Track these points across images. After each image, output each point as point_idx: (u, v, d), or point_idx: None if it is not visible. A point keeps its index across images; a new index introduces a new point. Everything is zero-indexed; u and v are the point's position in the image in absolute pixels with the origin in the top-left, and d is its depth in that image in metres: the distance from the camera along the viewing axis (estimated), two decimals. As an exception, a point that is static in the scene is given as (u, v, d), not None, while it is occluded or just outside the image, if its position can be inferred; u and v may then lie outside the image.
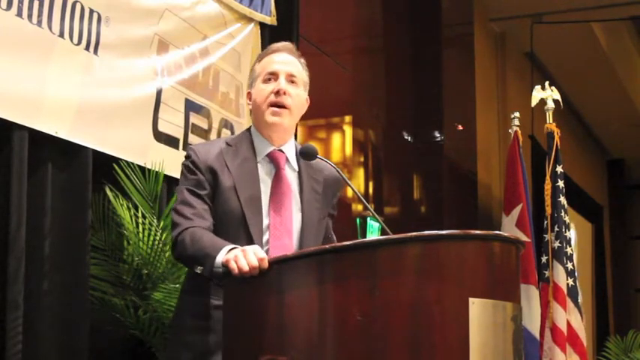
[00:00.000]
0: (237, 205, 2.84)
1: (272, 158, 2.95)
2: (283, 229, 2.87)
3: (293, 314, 2.37)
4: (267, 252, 2.77)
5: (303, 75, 3.02)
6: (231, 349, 2.50)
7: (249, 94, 3.03)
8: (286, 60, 3.00)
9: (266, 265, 2.46)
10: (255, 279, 2.47)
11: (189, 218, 2.80)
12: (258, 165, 2.93)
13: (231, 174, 2.87)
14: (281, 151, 2.97)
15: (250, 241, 2.78)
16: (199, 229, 2.76)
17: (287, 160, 2.97)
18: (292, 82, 2.97)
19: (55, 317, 3.40)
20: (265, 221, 2.86)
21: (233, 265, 2.50)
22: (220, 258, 2.58)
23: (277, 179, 2.93)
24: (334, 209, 3.15)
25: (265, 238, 2.84)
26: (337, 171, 3.02)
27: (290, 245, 2.87)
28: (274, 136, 2.96)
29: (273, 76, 2.96)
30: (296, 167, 2.99)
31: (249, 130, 3.03)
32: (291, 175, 2.97)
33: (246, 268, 2.47)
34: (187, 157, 2.94)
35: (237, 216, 2.83)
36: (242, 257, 2.49)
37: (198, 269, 2.67)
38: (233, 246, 2.61)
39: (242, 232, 2.82)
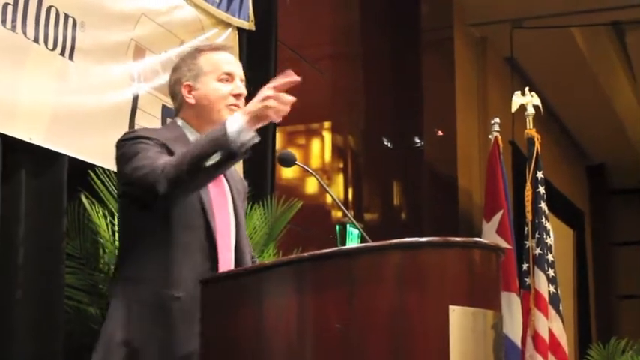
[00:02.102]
0: (196, 197, 2.75)
1: None
2: (225, 230, 2.85)
3: (271, 323, 2.37)
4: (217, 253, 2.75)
5: None
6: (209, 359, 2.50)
7: (189, 86, 2.91)
8: (236, 62, 3.00)
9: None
10: (233, 287, 2.47)
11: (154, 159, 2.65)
12: None
13: None
14: None
15: (210, 235, 2.73)
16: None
17: None
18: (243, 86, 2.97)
19: (29, 327, 3.37)
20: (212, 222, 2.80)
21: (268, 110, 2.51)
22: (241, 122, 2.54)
23: (216, 179, 2.87)
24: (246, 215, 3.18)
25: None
26: (316, 178, 3.03)
27: (230, 246, 2.85)
28: None
29: (229, 76, 2.92)
30: None
31: (174, 124, 2.94)
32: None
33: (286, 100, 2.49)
34: (140, 136, 2.78)
35: (196, 206, 2.75)
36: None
37: (217, 155, 2.55)
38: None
39: (200, 219, 2.74)
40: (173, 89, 2.97)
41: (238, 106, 2.88)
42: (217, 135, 2.56)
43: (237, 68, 2.96)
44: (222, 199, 2.89)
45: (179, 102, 2.95)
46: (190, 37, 4.53)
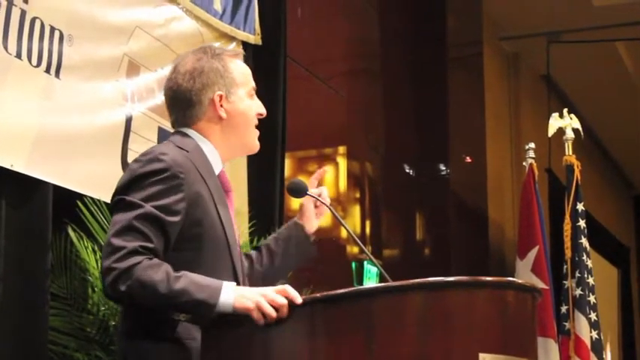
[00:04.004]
0: (221, 230, 2.71)
1: (221, 178, 2.83)
2: (241, 263, 2.85)
3: (280, 372, 2.37)
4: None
5: None
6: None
7: (221, 97, 2.78)
8: None
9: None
10: (235, 331, 2.46)
11: (141, 253, 2.53)
12: None
13: (210, 191, 2.71)
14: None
15: (234, 271, 2.72)
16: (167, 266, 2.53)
17: None
18: None
19: (8, 375, 3.38)
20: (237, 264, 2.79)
21: (259, 315, 2.42)
22: (229, 299, 2.46)
23: (228, 201, 2.84)
24: None
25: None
26: (330, 209, 3.02)
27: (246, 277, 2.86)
28: (232, 157, 2.93)
29: (254, 92, 2.88)
30: None
31: (188, 136, 2.79)
32: None
33: (274, 314, 2.41)
34: (163, 167, 2.62)
35: (223, 243, 2.71)
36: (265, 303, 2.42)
37: (181, 316, 2.52)
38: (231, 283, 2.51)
39: (227, 260, 2.72)
40: (196, 95, 2.78)
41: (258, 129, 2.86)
42: (206, 300, 2.46)
43: None
44: (233, 224, 2.85)
45: (199, 111, 2.78)
46: (190, 52, 4.54)
